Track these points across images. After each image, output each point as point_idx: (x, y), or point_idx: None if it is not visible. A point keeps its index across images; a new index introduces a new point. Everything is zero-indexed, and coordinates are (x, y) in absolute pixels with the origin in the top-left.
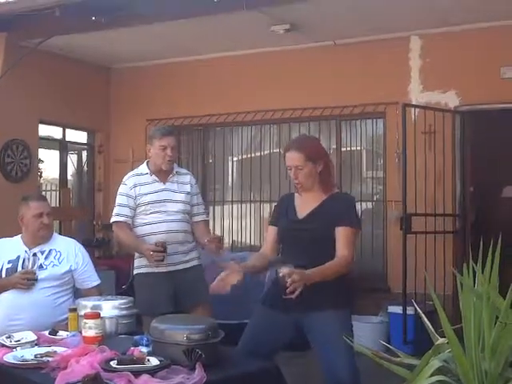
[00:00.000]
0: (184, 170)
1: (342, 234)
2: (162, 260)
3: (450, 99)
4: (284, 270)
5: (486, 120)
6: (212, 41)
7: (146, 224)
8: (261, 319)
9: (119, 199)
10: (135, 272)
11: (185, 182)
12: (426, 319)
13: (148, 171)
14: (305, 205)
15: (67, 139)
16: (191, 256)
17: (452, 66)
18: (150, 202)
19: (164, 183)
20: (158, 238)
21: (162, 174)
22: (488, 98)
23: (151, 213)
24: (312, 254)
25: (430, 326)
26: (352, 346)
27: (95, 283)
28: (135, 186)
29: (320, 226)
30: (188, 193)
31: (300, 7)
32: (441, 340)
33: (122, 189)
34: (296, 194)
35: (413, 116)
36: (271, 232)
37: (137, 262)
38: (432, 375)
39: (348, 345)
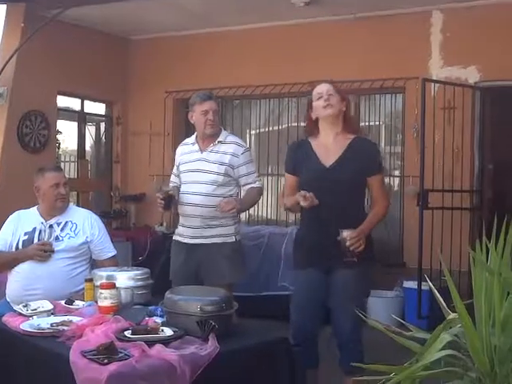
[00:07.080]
0: (232, 139)
1: (376, 183)
2: (164, 208)
3: (471, 75)
4: (344, 234)
5: (506, 96)
6: (231, 13)
7: (181, 193)
8: (299, 284)
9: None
10: None
11: (226, 152)
12: (437, 294)
13: (194, 140)
14: (329, 151)
15: (85, 111)
16: (217, 232)
17: (473, 42)
18: (185, 171)
19: (202, 152)
20: (186, 209)
21: (206, 142)
22: (509, 74)
23: (183, 183)
24: (341, 204)
25: (442, 301)
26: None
27: (111, 254)
28: (181, 154)
29: (352, 174)
30: (224, 163)
31: None
32: (452, 315)
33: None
34: (313, 141)
35: (432, 91)
36: (291, 181)
37: None
38: (442, 349)
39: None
